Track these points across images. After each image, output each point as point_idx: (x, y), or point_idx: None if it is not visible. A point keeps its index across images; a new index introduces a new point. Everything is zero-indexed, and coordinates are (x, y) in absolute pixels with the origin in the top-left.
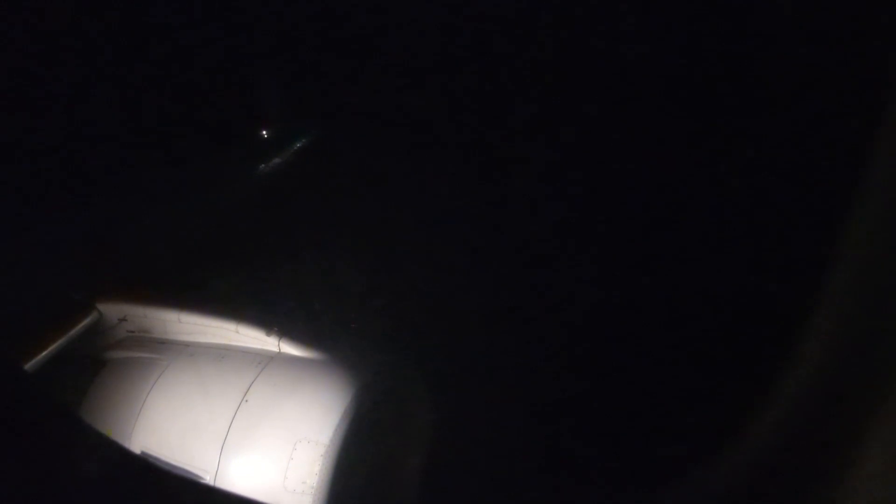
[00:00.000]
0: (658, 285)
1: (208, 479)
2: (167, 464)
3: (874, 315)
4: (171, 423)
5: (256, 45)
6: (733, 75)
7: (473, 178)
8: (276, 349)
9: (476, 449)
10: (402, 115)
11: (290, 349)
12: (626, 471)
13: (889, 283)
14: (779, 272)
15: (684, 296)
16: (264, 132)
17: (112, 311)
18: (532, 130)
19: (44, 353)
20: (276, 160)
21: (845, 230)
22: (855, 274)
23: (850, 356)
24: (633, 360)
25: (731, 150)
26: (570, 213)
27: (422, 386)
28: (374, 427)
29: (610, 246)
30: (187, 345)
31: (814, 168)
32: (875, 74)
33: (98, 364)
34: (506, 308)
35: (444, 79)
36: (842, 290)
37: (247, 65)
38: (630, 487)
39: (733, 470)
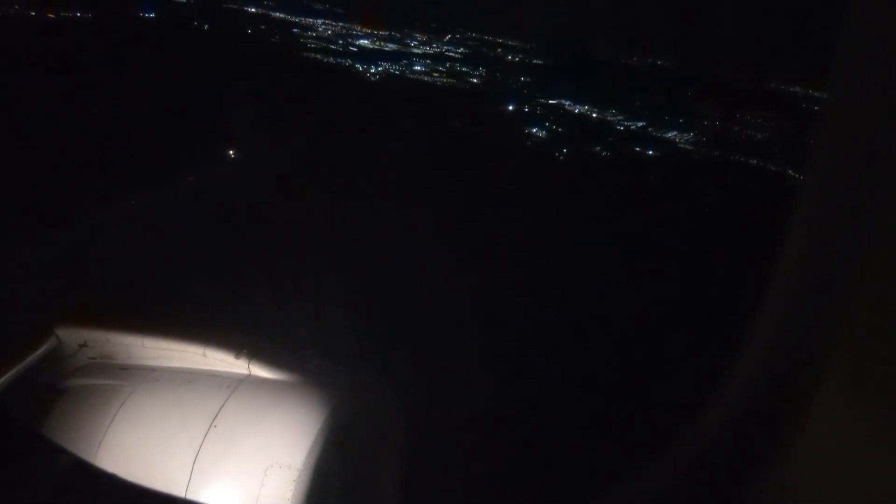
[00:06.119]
0: (617, 295)
1: None
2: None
3: (809, 318)
4: (136, 452)
5: (228, 70)
6: None
7: (444, 196)
8: (245, 372)
9: (452, 467)
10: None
11: (260, 372)
12: (592, 472)
13: (823, 289)
14: (722, 279)
15: (638, 304)
16: (231, 152)
17: (72, 336)
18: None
19: None
20: (244, 178)
21: (783, 237)
22: (792, 280)
23: (788, 355)
24: (597, 369)
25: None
26: (542, 228)
27: (395, 405)
28: (348, 449)
29: (573, 261)
30: (152, 370)
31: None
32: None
33: (56, 393)
34: (480, 323)
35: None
36: (780, 295)
37: (219, 88)
38: (595, 485)
39: (685, 463)
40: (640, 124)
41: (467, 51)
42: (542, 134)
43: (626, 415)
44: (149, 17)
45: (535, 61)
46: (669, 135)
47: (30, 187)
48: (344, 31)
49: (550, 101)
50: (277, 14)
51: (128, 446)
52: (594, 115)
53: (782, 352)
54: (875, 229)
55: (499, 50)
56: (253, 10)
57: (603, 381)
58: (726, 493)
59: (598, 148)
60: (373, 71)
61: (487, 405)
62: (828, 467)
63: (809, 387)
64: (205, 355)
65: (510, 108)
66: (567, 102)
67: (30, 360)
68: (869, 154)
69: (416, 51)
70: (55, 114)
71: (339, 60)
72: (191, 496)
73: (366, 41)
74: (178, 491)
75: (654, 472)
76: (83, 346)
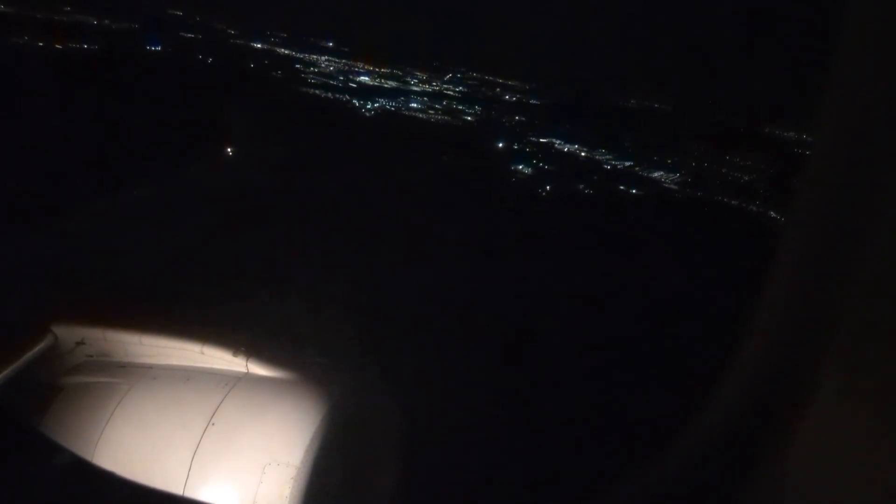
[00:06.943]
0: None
1: None
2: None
3: (809, 318)
4: (134, 450)
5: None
6: None
7: (442, 195)
8: (243, 370)
9: (451, 466)
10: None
11: (258, 369)
12: (592, 471)
13: (822, 288)
14: (717, 282)
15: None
16: (229, 150)
17: (69, 333)
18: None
19: None
20: (242, 176)
21: (779, 240)
22: (792, 279)
23: (788, 354)
24: (595, 367)
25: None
26: (541, 227)
27: (395, 404)
28: (346, 447)
29: (572, 265)
30: (150, 367)
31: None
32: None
33: (53, 390)
34: (477, 323)
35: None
36: (780, 295)
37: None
38: (595, 485)
39: (680, 462)
40: (627, 164)
41: (466, 89)
42: (527, 171)
43: (626, 414)
44: (155, 51)
45: (531, 101)
46: (656, 174)
47: (27, 184)
48: (346, 68)
49: (541, 140)
50: (283, 50)
51: (125, 444)
52: (583, 154)
53: (782, 351)
54: (874, 230)
55: (497, 89)
56: (259, 45)
57: (603, 381)
58: (726, 493)
59: (581, 185)
60: (369, 107)
61: (487, 405)
62: (828, 467)
63: (809, 386)
64: (203, 353)
65: (500, 145)
66: (557, 141)
67: (27, 357)
68: (868, 156)
69: (414, 88)
70: (53, 113)
71: (337, 96)
72: (189, 494)
73: (366, 78)
74: (176, 489)
75: (654, 471)
76: (80, 343)
